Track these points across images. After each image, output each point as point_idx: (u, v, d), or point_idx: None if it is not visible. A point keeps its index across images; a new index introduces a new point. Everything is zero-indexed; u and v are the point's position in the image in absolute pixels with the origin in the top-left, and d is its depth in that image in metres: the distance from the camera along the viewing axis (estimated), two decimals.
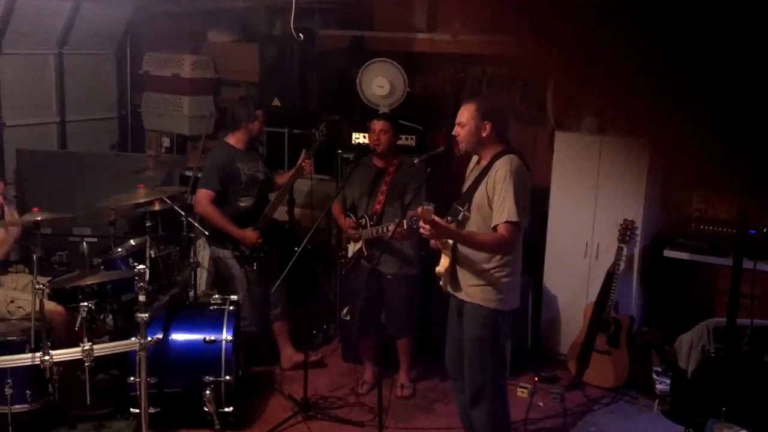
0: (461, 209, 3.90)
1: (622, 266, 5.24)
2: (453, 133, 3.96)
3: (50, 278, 4.71)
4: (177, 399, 4.47)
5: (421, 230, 3.74)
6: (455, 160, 4.41)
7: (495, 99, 5.49)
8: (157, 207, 4.96)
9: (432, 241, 3.88)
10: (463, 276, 3.91)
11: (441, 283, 4.01)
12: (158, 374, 4.34)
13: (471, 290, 3.88)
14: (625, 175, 5.37)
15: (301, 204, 6.21)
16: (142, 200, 4.84)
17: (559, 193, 5.62)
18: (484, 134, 3.84)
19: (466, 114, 3.89)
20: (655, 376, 5.01)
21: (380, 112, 5.71)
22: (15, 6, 6.11)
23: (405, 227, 4.28)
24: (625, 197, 5.34)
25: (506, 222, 3.70)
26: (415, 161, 4.56)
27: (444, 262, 3.94)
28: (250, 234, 5.12)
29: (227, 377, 4.47)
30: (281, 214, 5.57)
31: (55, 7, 6.62)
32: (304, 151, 5.46)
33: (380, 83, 5.84)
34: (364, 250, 4.98)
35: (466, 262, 3.88)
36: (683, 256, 5.28)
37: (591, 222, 5.52)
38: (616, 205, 5.37)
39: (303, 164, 5.34)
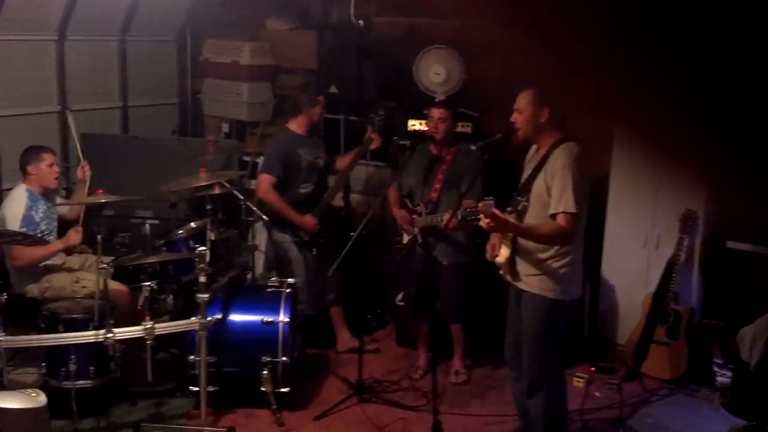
0: (521, 199, 3.87)
1: (682, 257, 5.15)
2: (511, 119, 3.93)
3: (113, 258, 4.82)
4: (235, 378, 4.54)
5: (481, 223, 3.73)
6: (512, 147, 4.38)
7: (553, 85, 5.43)
8: (216, 191, 5.03)
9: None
10: (522, 266, 3.88)
11: (501, 272, 3.99)
12: (217, 354, 4.41)
13: (530, 280, 3.86)
14: (687, 164, 5.27)
15: (356, 190, 6.23)
16: (203, 183, 4.92)
17: (618, 181, 5.55)
18: (542, 120, 3.81)
19: (523, 100, 3.87)
20: (715, 369, 4.92)
21: (437, 99, 5.70)
22: None
23: (459, 218, 4.27)
24: (687, 187, 5.24)
25: (564, 212, 3.67)
26: (472, 148, 4.56)
27: (504, 252, 3.92)
28: (308, 220, 5.16)
29: (284, 358, 4.53)
30: (337, 200, 5.60)
31: None
32: (369, 126, 5.45)
33: (437, 70, 5.83)
34: (418, 237, 4.98)
35: (525, 252, 3.85)
36: (746, 247, 5.17)
37: (651, 211, 5.43)
38: (678, 194, 5.27)
39: (371, 136, 5.32)
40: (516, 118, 3.89)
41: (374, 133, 5.33)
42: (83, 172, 5.09)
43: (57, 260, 4.89)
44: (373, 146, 5.41)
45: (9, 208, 4.76)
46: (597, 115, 5.89)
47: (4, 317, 4.01)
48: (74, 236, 4.74)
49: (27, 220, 4.72)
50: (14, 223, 4.67)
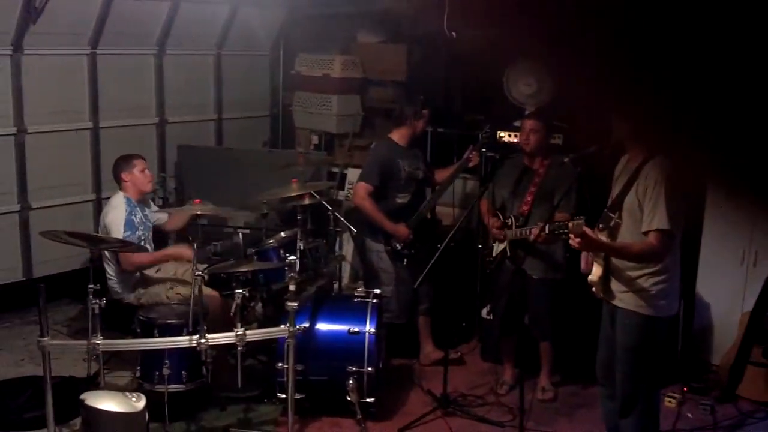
0: (612, 216, 3.80)
1: None
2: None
3: (207, 266, 4.95)
4: (321, 387, 4.59)
5: (571, 243, 3.68)
6: (606, 160, 4.30)
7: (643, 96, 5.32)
8: (306, 201, 5.12)
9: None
10: (616, 284, 3.81)
11: (593, 290, 3.92)
12: (304, 362, 4.47)
13: (624, 296, 3.78)
14: None
15: (443, 202, 6.23)
16: (294, 194, 5.01)
17: (715, 197, 5.37)
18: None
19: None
20: None
21: (526, 110, 5.66)
22: (178, 11, 6.48)
23: (548, 232, 4.21)
24: None
25: (656, 230, 3.59)
26: (564, 160, 4.48)
27: (596, 270, 3.86)
28: (402, 229, 5.20)
29: (369, 368, 4.56)
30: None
31: (214, 10, 6.99)
32: (471, 145, 5.46)
33: (527, 81, 5.78)
34: (508, 250, 4.93)
35: (617, 271, 3.78)
36: None
37: (749, 228, 5.25)
38: None
39: (470, 156, 5.34)
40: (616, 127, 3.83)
41: (474, 152, 5.32)
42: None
43: (152, 269, 5.06)
44: (471, 164, 5.40)
45: (110, 215, 4.96)
46: (694, 129, 5.75)
47: (102, 322, 4.17)
48: (188, 252, 4.88)
49: (128, 224, 4.91)
50: (117, 229, 4.87)
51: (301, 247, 4.90)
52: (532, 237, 4.53)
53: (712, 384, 5.21)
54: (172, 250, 5.05)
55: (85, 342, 4.11)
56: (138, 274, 4.97)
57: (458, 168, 5.42)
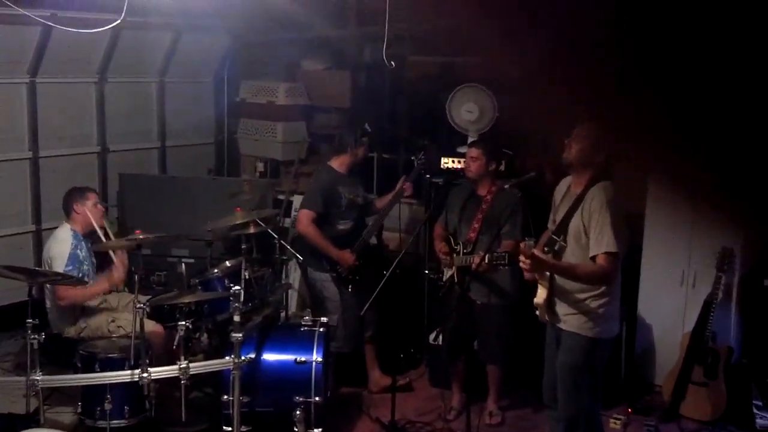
0: (557, 239, 3.87)
1: (720, 295, 5.07)
2: (567, 142, 3.91)
3: (150, 297, 4.88)
4: (268, 418, 4.53)
5: (521, 264, 3.73)
6: (546, 185, 4.38)
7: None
8: (251, 230, 5.08)
9: (527, 275, 3.85)
10: (561, 306, 3.88)
11: (537, 313, 3.98)
12: (250, 393, 4.40)
13: (568, 318, 3.85)
14: (723, 202, 5.21)
15: (389, 228, 6.26)
16: (239, 222, 4.97)
17: (654, 219, 5.50)
18: (597, 159, 3.81)
19: (585, 133, 3.86)
20: (755, 410, 4.81)
21: (469, 137, 5.73)
22: (119, 37, 6.42)
23: (487, 261, 4.26)
24: (724, 224, 5.18)
25: (605, 253, 3.67)
26: (506, 187, 4.56)
27: (541, 293, 3.91)
28: (347, 255, 5.20)
29: (317, 398, 4.51)
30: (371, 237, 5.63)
31: (156, 38, 6.94)
32: (404, 176, 5.52)
33: (469, 108, 5.85)
34: (455, 276, 4.97)
35: (563, 293, 3.85)
36: None
37: (688, 250, 5.38)
38: (714, 232, 5.21)
39: (403, 187, 5.39)
40: (570, 145, 3.87)
41: (406, 183, 5.38)
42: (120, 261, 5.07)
43: (94, 300, 4.97)
44: (406, 194, 5.46)
45: (54, 248, 4.85)
46: (632, 154, 5.89)
47: (41, 356, 4.07)
48: (117, 276, 4.81)
49: (72, 258, 4.82)
50: (60, 263, 4.77)
51: (246, 276, 4.85)
52: (473, 267, 4.58)
53: (655, 404, 5.30)
54: (101, 284, 4.95)
55: (23, 378, 4.01)
56: (78, 308, 4.87)
57: (394, 198, 5.46)
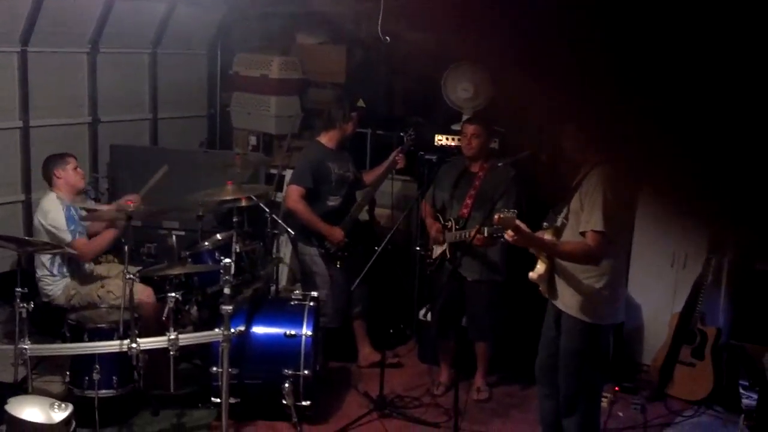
0: (558, 216, 3.86)
1: (710, 277, 5.09)
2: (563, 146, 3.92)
3: (140, 268, 4.86)
4: (256, 390, 4.55)
5: (506, 237, 3.72)
6: (540, 164, 4.37)
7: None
8: (243, 203, 5.06)
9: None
10: (561, 285, 3.87)
11: (540, 289, 3.97)
12: (239, 366, 4.43)
13: (569, 301, 3.83)
14: (715, 183, 5.21)
15: (382, 205, 6.25)
16: (230, 197, 4.95)
17: (645, 200, 5.49)
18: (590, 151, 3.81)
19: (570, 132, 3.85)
20: (741, 391, 4.84)
21: (464, 114, 5.70)
22: (113, 7, 6.35)
23: (485, 234, 4.25)
24: (716, 206, 5.17)
25: (592, 231, 3.65)
26: (499, 164, 4.55)
27: (539, 267, 3.90)
28: (337, 232, 5.19)
29: (306, 372, 4.53)
30: (363, 214, 5.62)
31: (150, 8, 6.86)
32: (399, 148, 5.51)
33: (464, 86, 5.83)
34: (447, 252, 4.97)
35: (562, 271, 3.84)
36: None
37: (679, 230, 5.36)
38: (706, 213, 5.20)
39: (396, 158, 5.37)
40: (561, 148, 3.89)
41: (400, 155, 5.36)
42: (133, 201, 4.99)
43: (85, 268, 4.95)
44: (398, 167, 5.44)
45: (50, 215, 4.79)
46: (627, 133, 5.87)
47: (30, 326, 4.06)
48: (133, 201, 4.77)
49: (70, 220, 4.79)
50: (62, 228, 4.74)
51: (237, 250, 4.83)
52: (470, 240, 4.57)
53: (642, 383, 5.34)
54: (110, 232, 4.92)
55: (11, 346, 4.01)
56: (68, 274, 4.85)
57: (387, 170, 5.45)
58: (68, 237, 4.73)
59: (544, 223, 3.90)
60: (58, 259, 4.84)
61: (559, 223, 3.85)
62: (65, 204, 4.87)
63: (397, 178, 6.20)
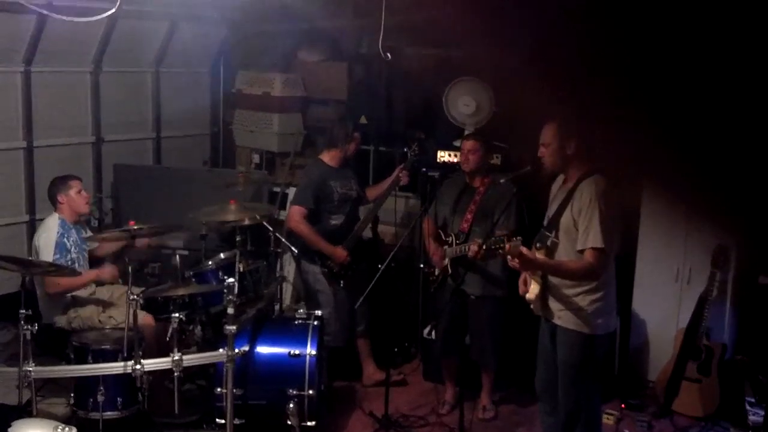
0: (549, 235, 3.86)
1: (714, 292, 5.07)
2: (538, 154, 3.92)
3: (143, 289, 4.86)
4: (261, 411, 4.53)
5: (509, 263, 3.72)
6: (542, 180, 4.36)
7: (578, 116, 5.43)
8: (246, 222, 5.06)
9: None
10: (554, 302, 3.87)
11: (532, 307, 3.97)
12: (243, 386, 4.41)
13: (563, 315, 3.83)
14: (719, 199, 5.21)
15: (385, 221, 6.25)
16: (233, 217, 4.95)
17: (649, 215, 5.49)
18: (569, 152, 3.80)
19: (549, 133, 3.86)
20: (748, 407, 4.82)
21: (466, 130, 5.71)
22: (115, 26, 6.38)
23: (485, 248, 4.23)
24: (719, 221, 5.17)
25: (592, 248, 3.65)
26: (501, 181, 4.55)
27: (534, 288, 3.90)
28: (340, 252, 5.18)
29: (310, 391, 4.51)
30: (366, 231, 5.61)
31: (152, 27, 6.89)
32: (401, 165, 5.50)
33: (466, 102, 5.83)
34: (449, 268, 4.96)
35: (556, 288, 3.84)
36: None
37: (683, 246, 5.37)
38: (710, 228, 5.20)
39: (400, 175, 5.37)
40: (543, 152, 3.88)
41: (403, 171, 5.36)
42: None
43: (85, 291, 4.95)
44: (402, 183, 5.44)
45: (42, 237, 4.85)
46: (628, 148, 5.87)
47: (34, 347, 4.06)
48: (109, 272, 4.81)
49: (60, 247, 4.81)
50: (48, 252, 4.76)
51: (241, 269, 4.83)
52: (470, 254, 4.57)
53: (648, 400, 5.31)
54: (95, 272, 4.94)
55: (16, 369, 4.00)
56: (69, 297, 4.85)
57: (390, 186, 5.45)
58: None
59: (536, 243, 3.89)
60: None
61: (549, 243, 3.84)
62: (66, 229, 4.88)
63: (400, 194, 6.19)
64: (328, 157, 5.35)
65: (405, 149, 5.68)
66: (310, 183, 5.28)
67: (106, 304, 4.93)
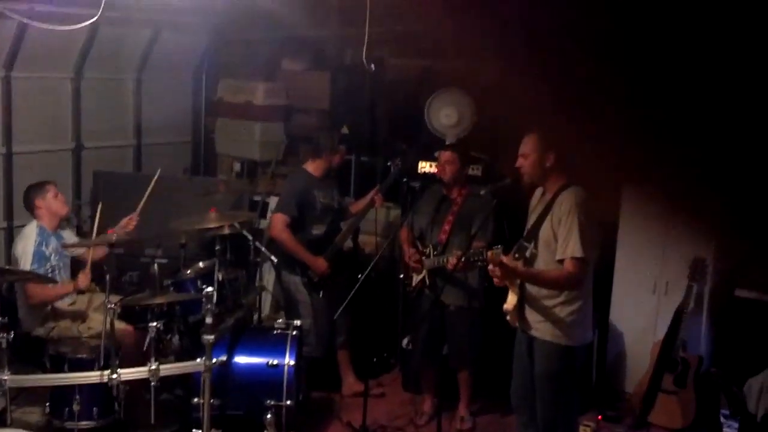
0: (528, 246, 3.87)
1: (691, 305, 5.11)
2: (516, 164, 3.95)
3: (121, 297, 4.83)
4: (239, 421, 4.51)
5: (490, 272, 3.74)
6: (523, 191, 4.39)
7: (558, 128, 5.47)
8: (226, 231, 5.05)
9: (496, 280, 3.85)
10: (532, 313, 3.89)
11: (508, 318, 3.98)
12: (221, 396, 4.39)
13: (541, 326, 3.85)
14: (696, 212, 5.26)
15: (365, 231, 6.25)
16: (213, 225, 4.93)
17: (627, 227, 5.53)
18: (548, 164, 3.83)
19: (529, 144, 3.89)
20: (723, 419, 4.86)
21: (447, 141, 5.73)
22: (97, 33, 6.35)
23: (464, 260, 4.26)
24: (696, 234, 5.22)
25: (572, 258, 3.67)
26: (481, 192, 4.56)
27: (511, 299, 3.92)
28: (320, 262, 5.18)
29: (288, 402, 4.50)
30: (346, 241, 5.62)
31: (135, 34, 6.86)
32: (377, 186, 5.52)
33: (447, 112, 5.86)
34: (426, 279, 4.97)
35: (533, 300, 3.85)
36: (754, 296, 5.13)
37: (660, 258, 5.42)
38: (687, 241, 5.25)
39: (374, 198, 5.40)
40: (522, 163, 3.90)
41: (378, 194, 5.40)
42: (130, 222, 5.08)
43: (65, 301, 4.92)
44: (377, 206, 5.48)
45: (20, 245, 4.82)
46: (606, 161, 5.92)
47: (10, 355, 4.02)
48: (82, 280, 4.78)
49: (38, 255, 4.77)
50: (26, 260, 4.73)
51: (220, 278, 4.82)
52: (449, 266, 4.58)
53: (625, 412, 5.33)
54: (67, 286, 4.89)
55: None
56: (48, 307, 4.82)
57: (365, 209, 5.48)
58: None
59: (515, 254, 3.91)
60: None
61: (528, 254, 3.86)
62: (44, 237, 4.85)
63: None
64: (313, 167, 5.35)
65: (388, 163, 5.68)
66: (294, 192, 5.28)
67: (85, 316, 4.89)
